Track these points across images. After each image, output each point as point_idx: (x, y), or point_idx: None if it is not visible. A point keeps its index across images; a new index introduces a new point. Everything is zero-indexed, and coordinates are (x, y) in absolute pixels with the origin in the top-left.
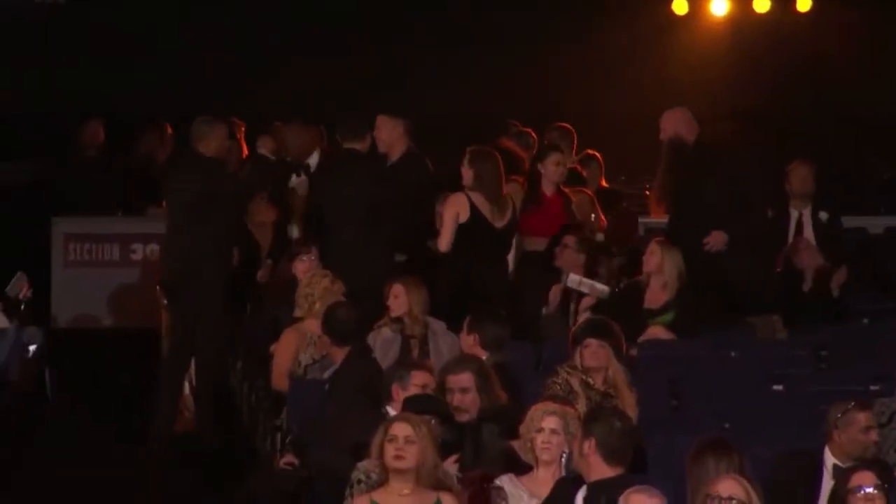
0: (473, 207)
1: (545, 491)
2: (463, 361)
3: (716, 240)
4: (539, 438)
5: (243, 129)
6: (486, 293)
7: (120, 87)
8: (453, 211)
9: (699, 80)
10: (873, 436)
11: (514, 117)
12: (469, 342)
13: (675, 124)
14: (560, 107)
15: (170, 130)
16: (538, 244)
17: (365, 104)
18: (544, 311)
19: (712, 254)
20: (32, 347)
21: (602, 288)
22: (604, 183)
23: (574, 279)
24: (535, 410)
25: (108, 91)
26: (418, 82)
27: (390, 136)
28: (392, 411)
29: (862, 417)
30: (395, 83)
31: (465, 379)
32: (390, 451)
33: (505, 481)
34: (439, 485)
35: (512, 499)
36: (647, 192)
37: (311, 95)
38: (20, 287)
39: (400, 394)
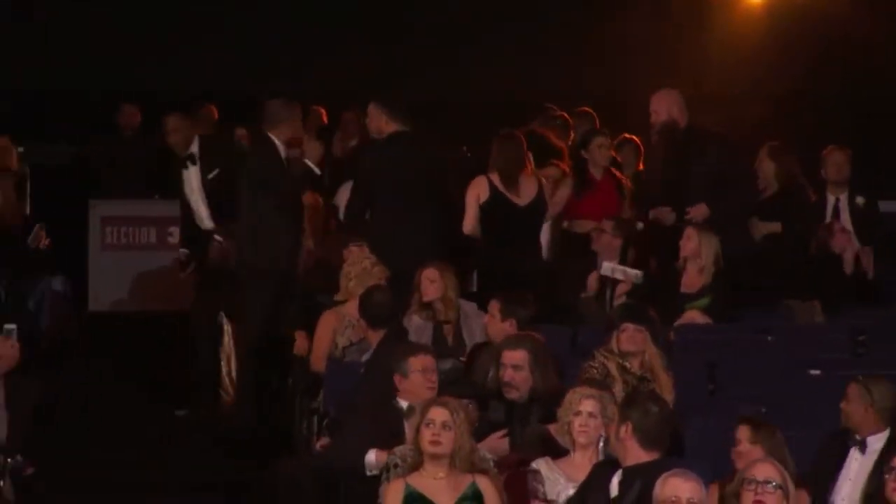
0: (493, 187)
1: (582, 475)
2: (521, 339)
3: (698, 212)
4: (577, 421)
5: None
6: (515, 273)
7: (157, 68)
8: (474, 192)
9: (736, 62)
10: None
11: (548, 100)
12: (505, 328)
13: (669, 107)
14: (595, 90)
15: (215, 115)
16: (585, 227)
17: (403, 88)
18: (582, 295)
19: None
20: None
21: (635, 273)
22: (641, 167)
23: (607, 266)
24: (573, 394)
25: (145, 72)
26: (458, 64)
27: (377, 124)
28: (402, 402)
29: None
30: (436, 65)
31: (519, 356)
32: (427, 435)
33: (541, 465)
34: (474, 468)
35: (548, 482)
36: None
37: (347, 80)
38: (39, 237)
39: (402, 382)
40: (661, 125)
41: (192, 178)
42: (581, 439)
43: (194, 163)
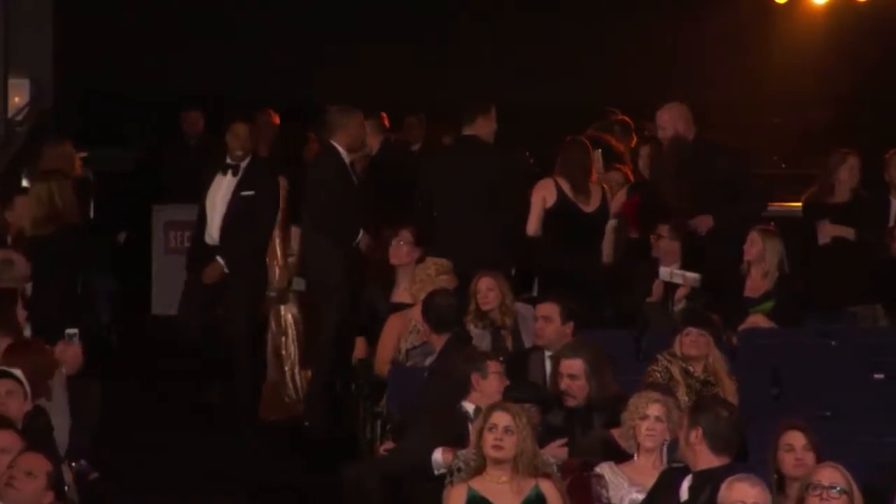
0: (560, 192)
1: (646, 479)
2: (577, 348)
3: (703, 223)
4: (643, 426)
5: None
6: (576, 278)
7: (222, 75)
8: (540, 195)
9: (797, 67)
10: None
11: (613, 105)
12: (565, 331)
13: (675, 121)
14: (657, 95)
15: (276, 119)
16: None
17: (466, 92)
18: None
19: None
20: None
21: (693, 276)
22: None
23: (665, 271)
24: (640, 398)
25: (209, 79)
26: (516, 70)
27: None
28: (469, 405)
29: None
30: (491, 71)
31: (576, 365)
32: (489, 440)
33: (605, 469)
34: (537, 472)
35: (612, 486)
36: None
37: (402, 82)
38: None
39: (480, 383)
40: (668, 140)
41: (223, 186)
42: (647, 443)
43: (235, 174)
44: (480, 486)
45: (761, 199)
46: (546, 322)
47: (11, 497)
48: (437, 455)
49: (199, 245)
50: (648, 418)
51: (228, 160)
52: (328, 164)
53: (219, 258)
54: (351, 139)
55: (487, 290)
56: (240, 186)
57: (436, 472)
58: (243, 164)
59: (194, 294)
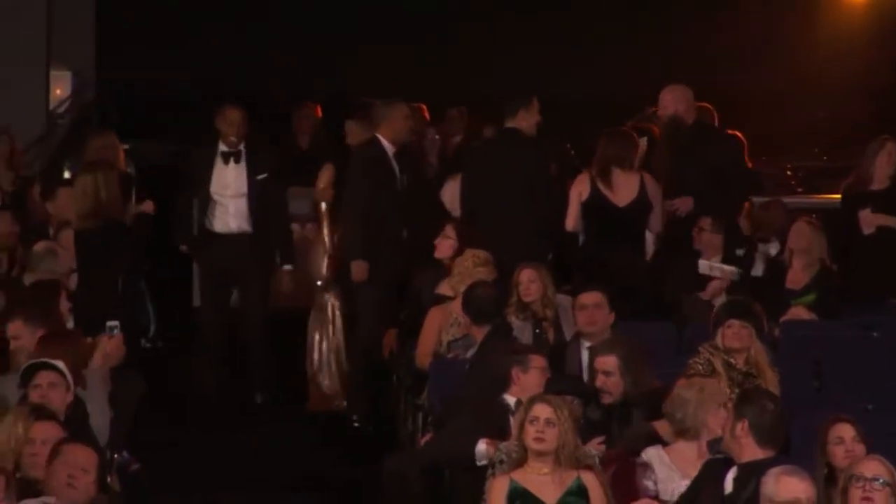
0: (593, 186)
1: (692, 468)
2: (611, 345)
3: (683, 204)
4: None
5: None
6: (615, 271)
7: (262, 70)
8: (577, 190)
9: (839, 60)
10: None
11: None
12: (610, 321)
13: (676, 103)
14: (701, 86)
15: (318, 113)
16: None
17: (507, 86)
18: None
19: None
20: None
21: (731, 269)
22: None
23: (704, 264)
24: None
25: (256, 73)
26: (561, 62)
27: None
28: (511, 398)
29: None
30: (538, 64)
31: (609, 362)
32: (531, 432)
33: (652, 455)
34: (579, 464)
35: (660, 472)
36: (789, 173)
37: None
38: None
39: (521, 377)
40: (666, 120)
41: (229, 174)
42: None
43: (239, 161)
44: (522, 478)
45: (749, 189)
46: (597, 309)
47: (72, 496)
48: (482, 446)
49: (203, 234)
50: None
51: (224, 148)
52: (370, 156)
53: (286, 267)
54: (394, 132)
55: (529, 281)
56: (250, 171)
57: (478, 463)
58: (242, 149)
59: (212, 283)
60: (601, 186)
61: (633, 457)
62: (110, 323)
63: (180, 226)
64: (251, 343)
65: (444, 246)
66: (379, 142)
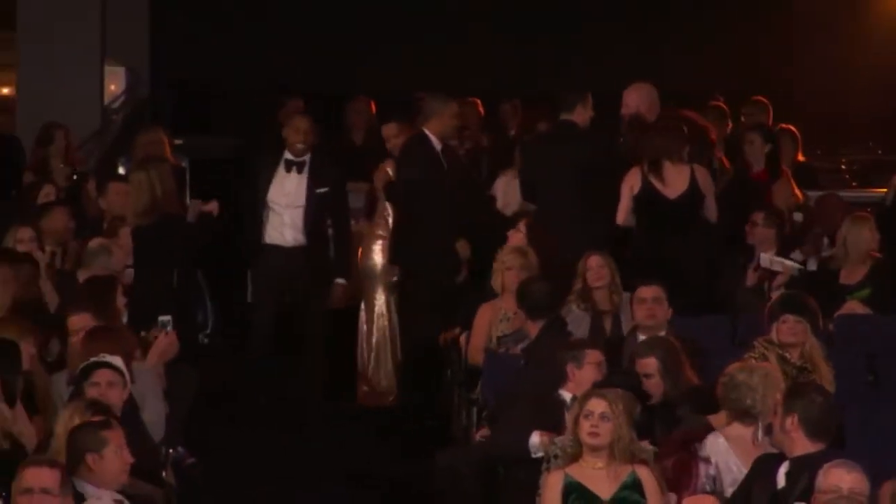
0: (644, 179)
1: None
2: (650, 346)
3: None
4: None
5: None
6: (666, 265)
7: (321, 64)
8: (629, 183)
9: (891, 53)
10: None
11: (713, 90)
12: (669, 314)
13: (639, 101)
14: (755, 79)
15: (372, 108)
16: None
17: (554, 78)
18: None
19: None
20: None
21: (792, 265)
22: (800, 157)
23: (766, 258)
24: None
25: (312, 67)
26: (613, 55)
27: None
28: (567, 394)
29: None
30: (588, 58)
31: (650, 364)
32: (585, 427)
33: (711, 445)
34: (634, 459)
35: (721, 457)
36: (843, 167)
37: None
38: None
39: (575, 374)
40: (628, 118)
41: (289, 184)
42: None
43: (301, 171)
44: (577, 472)
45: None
46: (657, 304)
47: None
48: (535, 438)
49: (258, 244)
50: None
51: (289, 156)
52: (419, 151)
53: (339, 281)
54: (444, 127)
55: (599, 266)
56: (312, 184)
57: (533, 455)
58: (307, 159)
59: (266, 295)
60: (652, 179)
61: (692, 446)
62: (163, 318)
63: (251, 240)
64: (305, 358)
65: (514, 239)
66: (427, 137)
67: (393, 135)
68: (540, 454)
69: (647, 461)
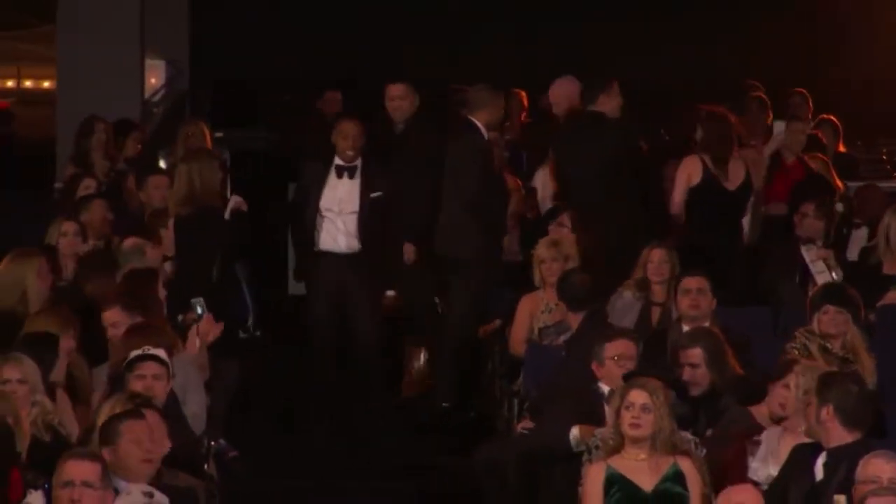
0: (706, 169)
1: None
2: (695, 337)
3: None
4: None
5: None
6: (718, 255)
7: (359, 56)
8: (685, 173)
9: None
10: None
11: (752, 80)
12: (713, 305)
13: (570, 96)
14: (796, 70)
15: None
16: (781, 209)
17: (598, 68)
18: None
19: None
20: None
21: (827, 276)
22: (841, 148)
23: (813, 252)
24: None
25: (347, 59)
26: (652, 45)
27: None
28: (605, 386)
29: None
30: (629, 47)
31: (695, 354)
32: (626, 418)
33: (772, 435)
34: (676, 450)
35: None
36: (884, 157)
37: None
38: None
39: (599, 370)
40: (564, 113)
41: (341, 190)
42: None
43: (353, 177)
44: (619, 464)
45: (648, 177)
46: (701, 294)
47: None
48: (575, 431)
49: (309, 252)
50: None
51: (339, 161)
52: (472, 140)
53: (389, 293)
54: (491, 118)
55: (661, 262)
56: (365, 189)
57: (574, 450)
58: (358, 164)
59: (322, 306)
60: (714, 170)
61: (754, 435)
62: (194, 300)
63: (304, 253)
64: (360, 367)
65: (557, 233)
66: (477, 126)
67: (398, 95)
68: (581, 448)
69: (689, 452)
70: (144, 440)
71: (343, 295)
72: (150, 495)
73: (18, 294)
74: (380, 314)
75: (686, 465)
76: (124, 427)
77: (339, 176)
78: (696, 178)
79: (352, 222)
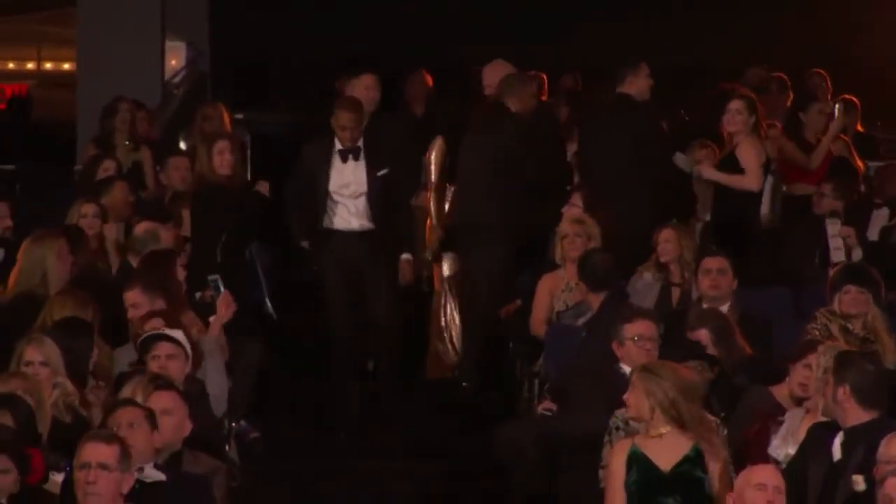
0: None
1: None
2: (701, 318)
3: None
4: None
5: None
6: (738, 235)
7: (381, 36)
8: (757, 150)
9: None
10: None
11: (773, 62)
12: (734, 286)
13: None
14: (815, 51)
15: (429, 81)
16: (799, 190)
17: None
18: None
19: None
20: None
21: (842, 257)
22: (860, 128)
23: (835, 225)
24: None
25: (371, 41)
26: (676, 27)
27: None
28: (626, 367)
29: None
30: (651, 31)
31: (701, 335)
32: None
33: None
34: (700, 430)
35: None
36: None
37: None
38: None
39: (619, 350)
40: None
41: (348, 173)
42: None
43: (358, 158)
44: (643, 443)
45: (538, 168)
46: (721, 275)
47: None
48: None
49: (324, 232)
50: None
51: (339, 146)
52: (508, 124)
53: (404, 256)
54: (522, 105)
55: (665, 241)
56: (370, 169)
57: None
58: (360, 145)
59: (337, 286)
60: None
61: (777, 415)
62: (211, 277)
63: (300, 221)
64: (381, 350)
65: (570, 213)
66: (510, 111)
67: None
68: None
69: (714, 432)
70: (144, 424)
71: (358, 272)
72: (141, 469)
73: (40, 275)
74: (397, 290)
75: (708, 448)
76: (117, 414)
77: (344, 160)
78: (763, 158)
79: (362, 203)
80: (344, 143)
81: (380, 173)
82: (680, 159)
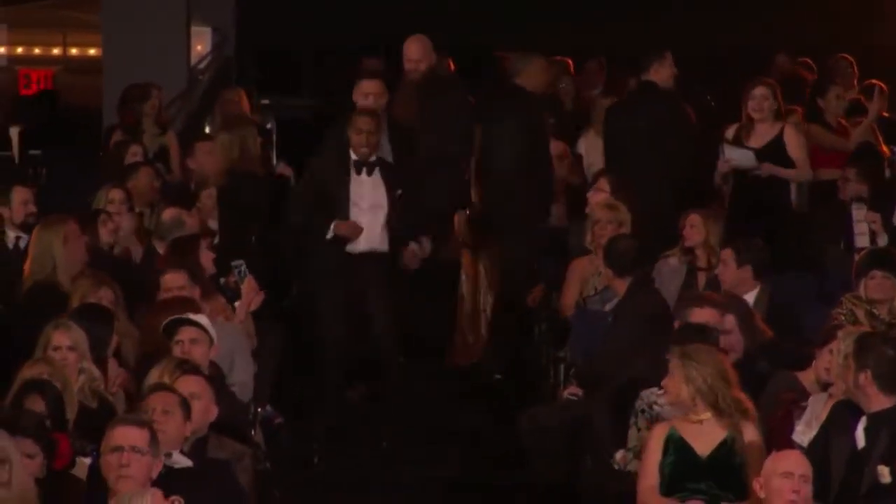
0: (738, 128)
1: None
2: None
3: None
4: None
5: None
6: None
7: (404, 20)
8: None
9: None
10: None
11: (798, 46)
12: (741, 275)
13: (428, 55)
14: (841, 36)
15: (451, 66)
16: (826, 175)
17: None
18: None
19: None
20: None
21: (746, 153)
22: (885, 113)
23: (861, 210)
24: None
25: (396, 25)
26: (698, 14)
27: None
28: None
29: None
30: (674, 17)
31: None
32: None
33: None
34: (736, 411)
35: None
36: None
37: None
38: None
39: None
40: (426, 71)
41: (364, 188)
42: None
43: (371, 173)
44: (681, 426)
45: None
46: (723, 266)
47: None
48: (619, 455)
49: (332, 251)
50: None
51: (354, 157)
52: (529, 107)
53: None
54: (534, 84)
55: (690, 226)
56: (388, 186)
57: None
58: (375, 160)
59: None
60: (743, 129)
61: (801, 400)
62: (235, 263)
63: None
64: (383, 369)
65: (597, 198)
66: (525, 91)
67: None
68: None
69: (750, 416)
70: (167, 412)
71: (360, 294)
72: (169, 455)
73: (51, 263)
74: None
75: (744, 430)
76: (148, 400)
77: (359, 172)
78: (730, 137)
79: (375, 219)
80: (360, 154)
81: (398, 192)
82: (742, 155)
